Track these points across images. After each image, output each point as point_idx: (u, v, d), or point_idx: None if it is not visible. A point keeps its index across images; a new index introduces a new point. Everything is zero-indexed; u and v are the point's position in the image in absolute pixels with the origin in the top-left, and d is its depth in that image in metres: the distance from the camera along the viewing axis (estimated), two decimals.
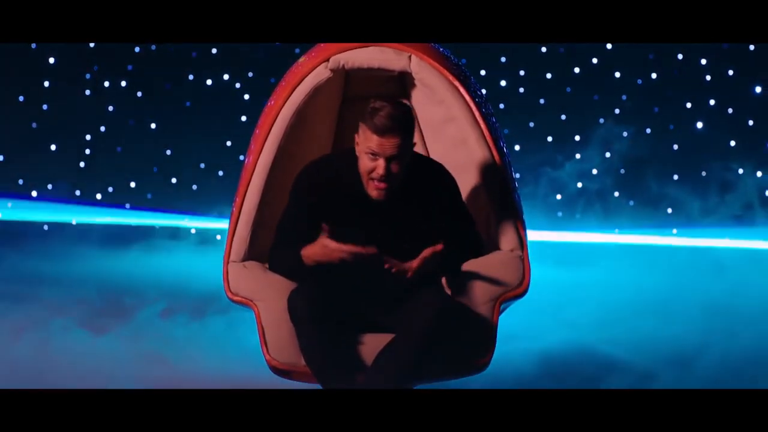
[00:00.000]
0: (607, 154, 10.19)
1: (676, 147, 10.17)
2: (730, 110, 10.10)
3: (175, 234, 10.14)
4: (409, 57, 4.92)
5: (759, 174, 9.94)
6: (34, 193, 9.94)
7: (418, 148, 4.85)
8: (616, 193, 10.14)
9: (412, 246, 4.50)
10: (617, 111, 10.19)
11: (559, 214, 10.15)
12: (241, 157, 5.09)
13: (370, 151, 4.43)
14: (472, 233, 4.68)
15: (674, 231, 9.98)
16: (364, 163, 4.46)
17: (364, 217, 4.55)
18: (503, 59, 10.20)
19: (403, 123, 4.43)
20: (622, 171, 10.16)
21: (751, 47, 9.99)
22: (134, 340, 6.19)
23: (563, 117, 10.23)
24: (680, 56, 10.10)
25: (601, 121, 10.17)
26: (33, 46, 9.81)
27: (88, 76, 10.01)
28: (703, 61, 10.10)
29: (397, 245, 4.54)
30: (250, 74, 10.24)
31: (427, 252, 4.42)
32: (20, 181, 9.90)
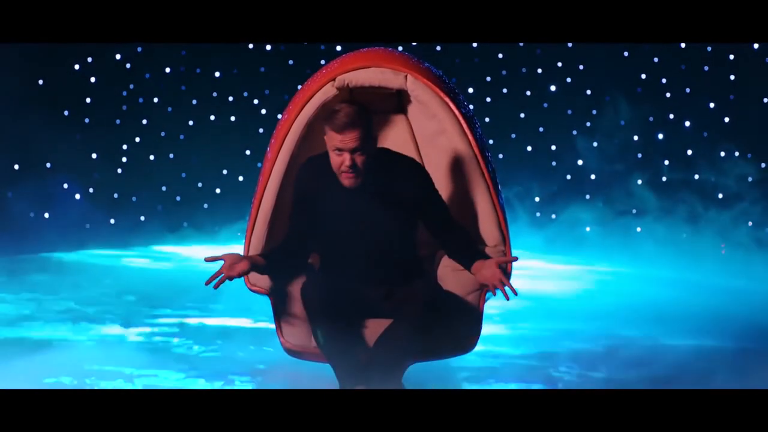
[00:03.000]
0: (580, 162, 10.20)
1: (639, 155, 10.17)
2: (688, 123, 10.10)
3: (200, 231, 10.14)
4: (406, 77, 4.91)
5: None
6: (77, 196, 9.94)
7: (413, 157, 4.85)
8: (588, 196, 10.14)
9: (391, 228, 4.54)
10: (588, 124, 10.20)
11: (538, 214, 10.16)
12: (259, 165, 5.07)
13: (335, 148, 4.48)
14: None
15: (638, 229, 9.97)
16: (333, 159, 4.50)
17: (350, 203, 4.58)
18: (488, 78, 10.21)
19: (359, 118, 4.47)
20: (593, 176, 10.16)
21: (706, 68, 9.99)
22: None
23: (541, 129, 10.24)
24: (643, 76, 10.10)
25: (574, 132, 10.18)
26: (76, 67, 9.81)
27: (124, 93, 10.02)
28: (664, 80, 10.10)
29: (379, 228, 4.56)
30: (267, 92, 10.25)
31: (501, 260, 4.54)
32: (65, 185, 9.90)
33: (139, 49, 9.95)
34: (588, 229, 10.02)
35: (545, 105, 10.26)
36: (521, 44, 10.15)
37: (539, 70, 10.21)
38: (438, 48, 10.10)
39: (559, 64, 10.19)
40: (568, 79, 10.21)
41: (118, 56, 9.92)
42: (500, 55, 10.20)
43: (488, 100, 10.26)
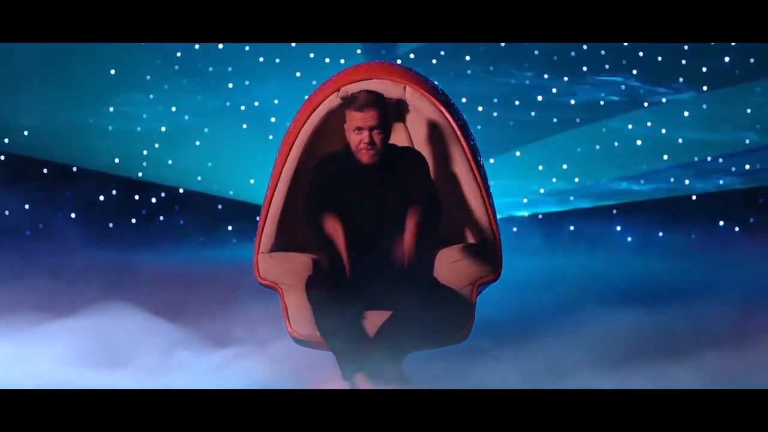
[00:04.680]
0: (564, 166, 10.21)
1: (620, 160, 10.19)
2: (664, 131, 10.10)
3: (216, 229, 10.15)
4: (404, 87, 4.91)
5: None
6: (101, 198, 9.94)
7: None
8: (572, 197, 10.15)
9: (398, 204, 4.61)
10: (572, 131, 10.21)
11: (525, 213, 10.16)
12: (269, 169, 5.11)
13: (355, 127, 4.58)
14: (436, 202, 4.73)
15: (618, 228, 9.98)
16: (353, 139, 4.60)
17: (361, 182, 4.65)
18: (480, 89, 10.23)
19: (378, 99, 4.60)
20: (576, 180, 10.17)
21: (681, 80, 9.99)
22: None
23: (528, 136, 10.25)
24: (622, 87, 10.11)
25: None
26: (99, 78, 9.83)
27: (144, 103, 10.03)
28: (642, 91, 10.10)
29: (386, 204, 4.63)
30: (276, 101, 10.25)
31: (408, 238, 4.52)
32: (90, 188, 9.92)
33: (159, 63, 9.95)
34: (572, 228, 10.03)
35: (533, 114, 10.26)
36: (510, 57, 10.18)
37: (527, 82, 10.22)
38: (434, 61, 10.10)
39: (546, 76, 10.20)
40: (554, 90, 10.22)
41: (140, 69, 9.93)
42: (491, 68, 10.22)
43: (480, 109, 10.26)
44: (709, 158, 10.00)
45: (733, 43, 9.80)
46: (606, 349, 5.31)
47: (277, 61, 10.15)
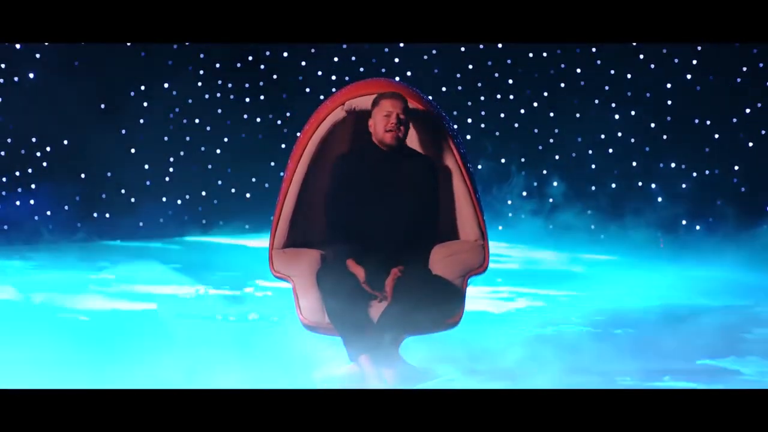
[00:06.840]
0: (544, 172, 10.23)
1: (593, 166, 10.21)
2: (633, 140, 10.12)
3: (233, 228, 10.18)
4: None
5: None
6: (132, 200, 9.96)
7: None
8: (551, 199, 10.18)
9: (400, 216, 4.62)
10: (551, 141, 10.24)
11: (510, 214, 10.18)
12: (281, 174, 5.11)
13: (385, 113, 4.61)
14: (432, 216, 4.72)
15: (592, 227, 10.00)
16: (381, 123, 4.63)
17: (378, 166, 4.67)
18: (469, 103, 10.24)
19: (402, 97, 4.67)
20: (555, 184, 10.19)
21: (648, 95, 10.01)
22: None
23: (512, 145, 10.28)
24: (596, 101, 10.13)
25: (540, 147, 10.23)
26: (131, 93, 9.83)
27: (171, 115, 10.05)
28: (613, 105, 10.12)
29: (389, 215, 4.63)
30: (288, 114, 10.28)
31: (389, 281, 4.51)
32: (122, 191, 9.92)
33: (184, 80, 10.00)
34: (551, 227, 10.05)
35: (516, 125, 10.29)
36: (496, 74, 10.21)
37: (511, 96, 10.25)
38: (430, 77, 10.14)
39: (528, 92, 10.23)
40: (535, 104, 10.25)
41: (166, 84, 9.95)
42: (479, 84, 10.25)
43: (469, 121, 10.29)
44: (672, 164, 10.02)
45: (694, 62, 9.82)
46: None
47: (289, 78, 10.21)
